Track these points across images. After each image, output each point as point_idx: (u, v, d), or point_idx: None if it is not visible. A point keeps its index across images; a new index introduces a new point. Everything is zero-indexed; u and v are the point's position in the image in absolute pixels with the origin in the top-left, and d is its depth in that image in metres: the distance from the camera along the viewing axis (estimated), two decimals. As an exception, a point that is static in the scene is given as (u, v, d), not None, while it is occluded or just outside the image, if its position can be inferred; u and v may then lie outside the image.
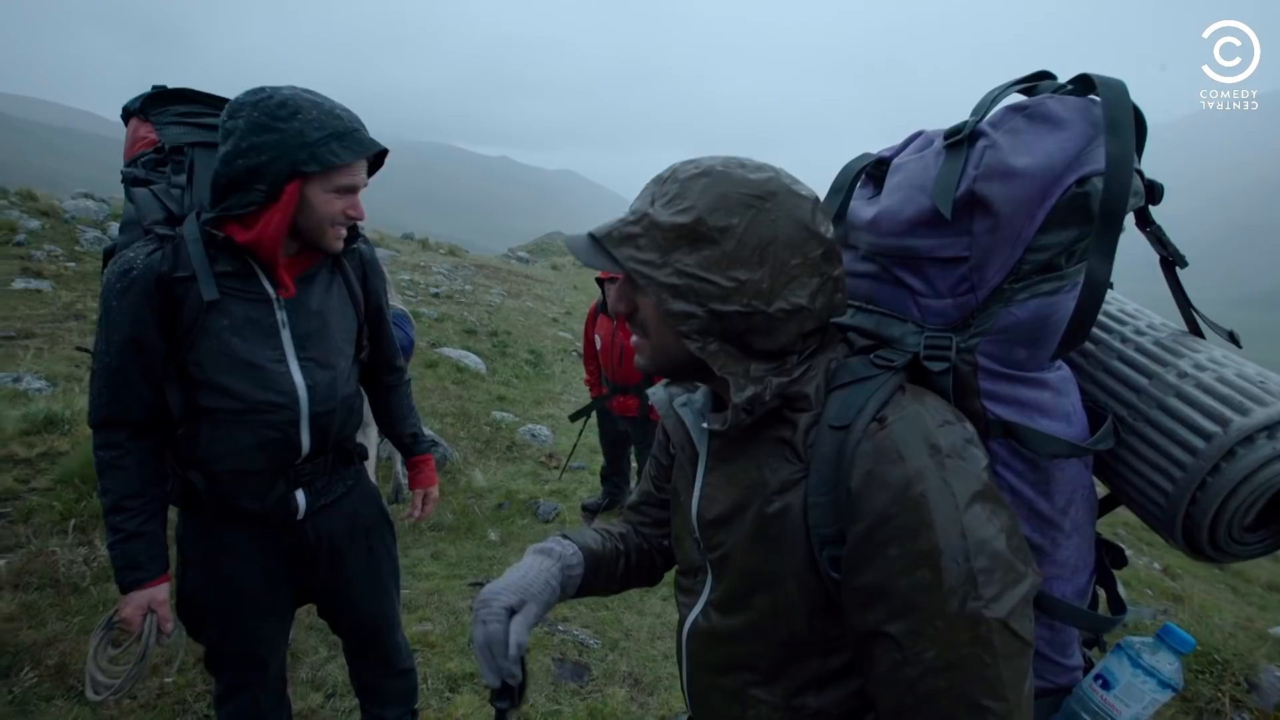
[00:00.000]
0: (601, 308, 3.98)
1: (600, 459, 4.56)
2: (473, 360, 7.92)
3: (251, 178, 1.28)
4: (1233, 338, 0.87)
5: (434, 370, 7.14)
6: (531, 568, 0.94)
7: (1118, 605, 0.94)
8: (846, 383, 0.78)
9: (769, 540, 0.79)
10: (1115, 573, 0.95)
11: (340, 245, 1.45)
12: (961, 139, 0.79)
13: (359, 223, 1.48)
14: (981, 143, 0.77)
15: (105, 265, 1.54)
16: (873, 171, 0.95)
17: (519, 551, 3.94)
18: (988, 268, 0.78)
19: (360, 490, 1.70)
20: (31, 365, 4.66)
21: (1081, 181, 0.75)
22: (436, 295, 11.09)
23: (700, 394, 0.91)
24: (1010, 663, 0.66)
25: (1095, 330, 0.91)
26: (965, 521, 0.67)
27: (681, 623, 0.95)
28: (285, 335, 1.44)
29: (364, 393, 1.77)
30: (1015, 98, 0.82)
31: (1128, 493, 0.88)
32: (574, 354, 9.72)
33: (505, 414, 6.46)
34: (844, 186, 0.94)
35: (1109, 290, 0.94)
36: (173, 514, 1.51)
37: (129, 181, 1.49)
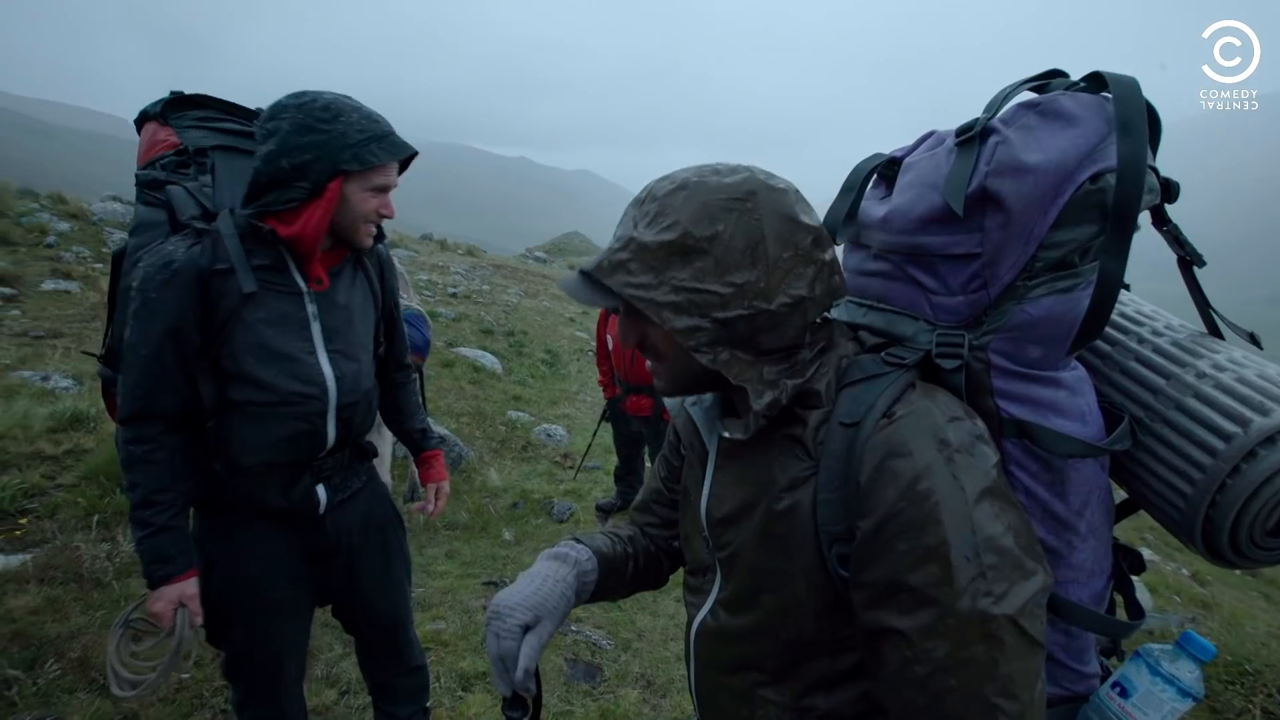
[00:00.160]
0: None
1: (615, 459, 4.56)
2: (489, 360, 7.96)
3: (295, 175, 1.34)
4: (1253, 339, 0.85)
5: (450, 370, 7.19)
6: (548, 578, 0.93)
7: (1135, 611, 0.92)
8: (857, 380, 0.77)
9: (778, 538, 0.78)
10: (1139, 578, 0.93)
11: (370, 242, 1.51)
12: (973, 136, 0.78)
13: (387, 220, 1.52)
14: (993, 139, 0.76)
15: (114, 267, 1.57)
16: (884, 171, 0.95)
17: (533, 551, 3.96)
18: (1000, 264, 0.77)
19: (373, 487, 1.73)
20: (59, 364, 4.77)
21: (1095, 178, 0.74)
22: (454, 295, 11.17)
23: (709, 394, 0.91)
24: (1022, 662, 0.65)
25: (1112, 331, 0.90)
26: (974, 517, 0.66)
27: (690, 622, 0.95)
28: (315, 328, 1.48)
29: None
30: (1027, 95, 0.81)
31: (1145, 496, 0.86)
32: (590, 354, 9.74)
33: (521, 414, 6.49)
34: (855, 186, 0.94)
35: (1126, 291, 0.92)
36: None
37: (147, 184, 1.53)
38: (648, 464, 4.45)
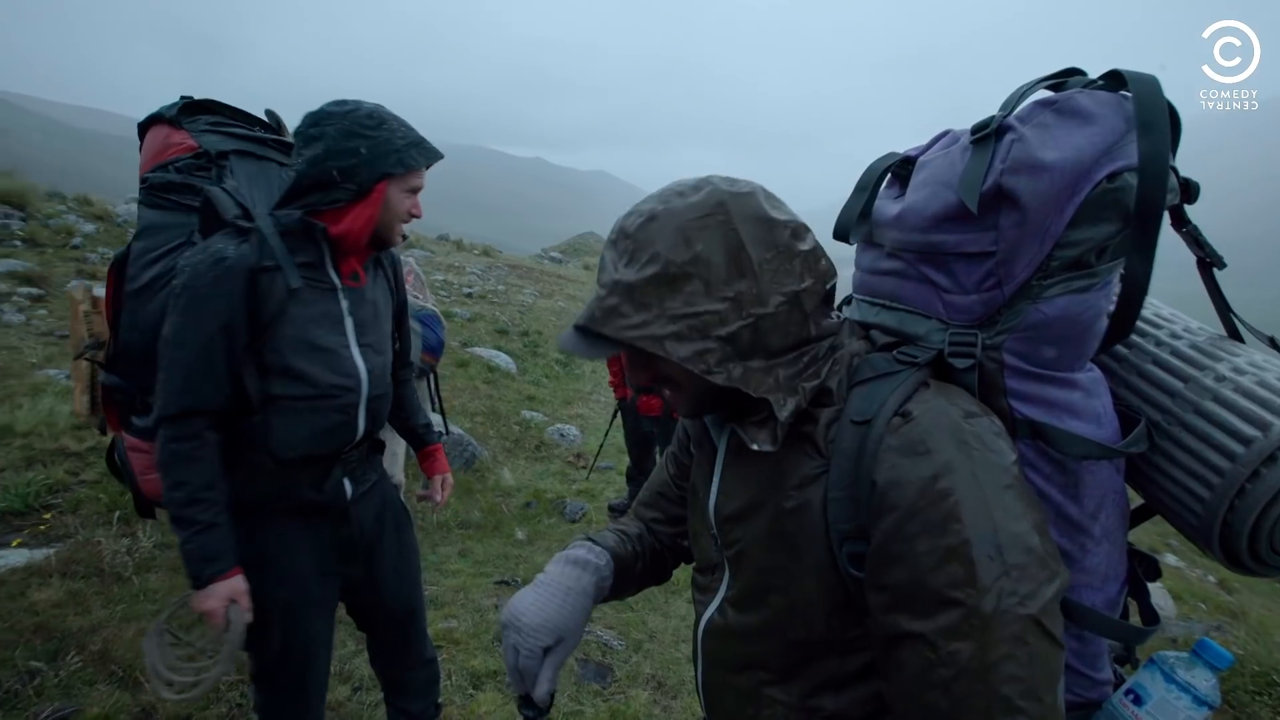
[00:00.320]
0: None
1: (627, 459, 4.57)
2: (504, 360, 8.00)
3: (342, 177, 1.41)
4: (1274, 343, 0.83)
5: (465, 370, 7.24)
6: (570, 591, 0.94)
7: (1150, 617, 0.90)
8: (868, 378, 0.77)
9: (787, 536, 0.78)
10: (1164, 583, 0.91)
11: (400, 240, 1.58)
12: (988, 134, 0.77)
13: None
14: (1009, 137, 0.75)
15: (114, 272, 1.59)
16: (898, 170, 0.94)
17: (545, 551, 3.97)
18: (1015, 263, 0.76)
19: (385, 481, 1.77)
20: (83, 362, 4.85)
21: (1113, 177, 0.72)
22: (470, 295, 11.24)
23: None
24: (1045, 664, 0.64)
25: None
26: (996, 515, 0.65)
27: (697, 620, 0.95)
28: (349, 323, 1.54)
29: None
30: (1044, 93, 0.80)
31: (1162, 501, 0.84)
32: (604, 355, 9.72)
33: (535, 413, 6.52)
34: (869, 185, 0.93)
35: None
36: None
37: (158, 186, 1.55)
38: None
